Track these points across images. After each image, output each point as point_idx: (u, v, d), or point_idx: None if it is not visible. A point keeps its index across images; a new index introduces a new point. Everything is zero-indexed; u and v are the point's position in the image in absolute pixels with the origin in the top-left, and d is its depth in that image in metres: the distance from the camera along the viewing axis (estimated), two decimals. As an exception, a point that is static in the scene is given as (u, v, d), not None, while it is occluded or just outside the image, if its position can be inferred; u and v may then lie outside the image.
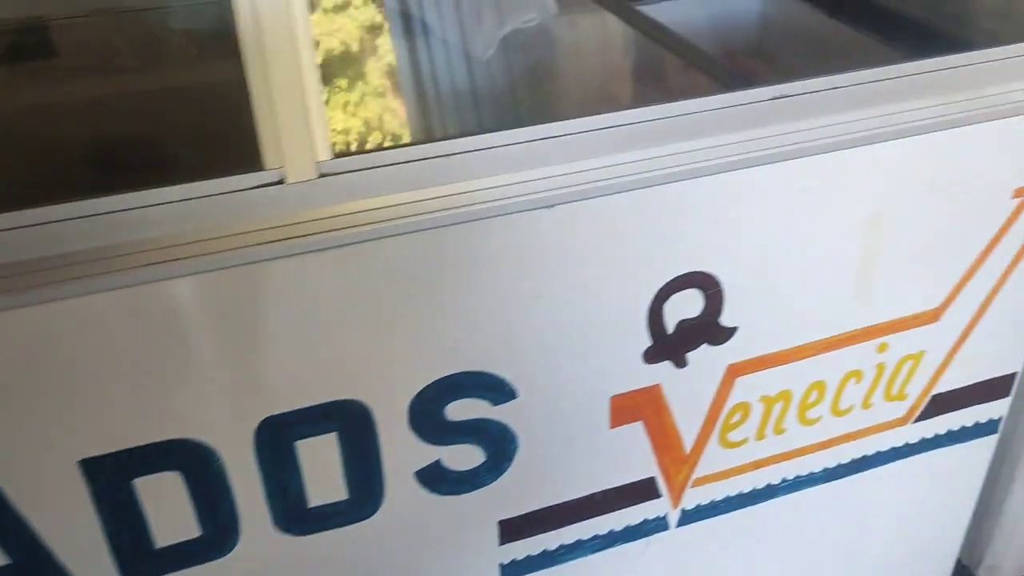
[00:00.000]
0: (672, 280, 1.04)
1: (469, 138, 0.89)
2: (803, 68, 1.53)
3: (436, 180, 0.90)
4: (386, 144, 1.14)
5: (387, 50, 1.34)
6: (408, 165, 0.88)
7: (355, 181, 0.85)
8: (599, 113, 0.95)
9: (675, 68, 1.20)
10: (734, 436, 1.20)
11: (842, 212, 1.08)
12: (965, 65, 1.04)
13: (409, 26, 1.38)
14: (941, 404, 1.32)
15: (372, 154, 0.86)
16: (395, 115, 1.22)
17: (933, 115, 1.05)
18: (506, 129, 0.92)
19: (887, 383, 1.26)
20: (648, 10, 1.54)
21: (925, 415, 1.32)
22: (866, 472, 1.34)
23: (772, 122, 0.99)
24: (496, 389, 1.02)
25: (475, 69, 1.21)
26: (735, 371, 1.14)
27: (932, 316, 1.22)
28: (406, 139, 1.19)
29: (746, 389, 1.16)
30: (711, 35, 1.61)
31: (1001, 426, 1.40)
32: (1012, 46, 1.05)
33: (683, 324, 1.07)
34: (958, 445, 1.39)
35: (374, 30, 1.43)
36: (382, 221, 0.87)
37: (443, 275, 0.93)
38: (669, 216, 1.00)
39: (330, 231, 0.85)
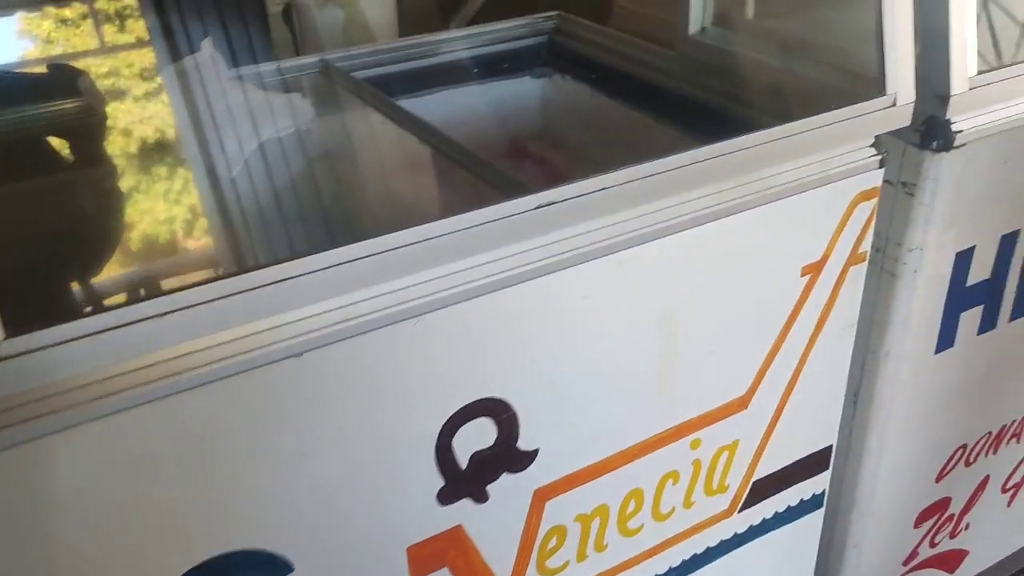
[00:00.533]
0: (457, 411, 0.93)
1: (191, 291, 0.75)
2: (586, 149, 1.50)
3: (159, 342, 0.76)
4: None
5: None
6: (117, 331, 0.74)
7: (42, 361, 0.70)
8: (357, 240, 0.84)
9: (445, 173, 1.11)
10: (553, 562, 1.10)
11: (633, 314, 1.01)
12: (740, 150, 1.00)
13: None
14: (763, 489, 1.27)
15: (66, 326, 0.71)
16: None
17: (713, 203, 1.01)
18: (248, 269, 0.79)
19: (706, 478, 1.19)
20: (424, 101, 1.47)
21: (749, 502, 1.26)
22: (700, 570, 1.27)
23: (543, 231, 0.91)
24: (266, 567, 0.87)
25: (222, 190, 1.08)
26: (543, 495, 1.04)
27: (741, 403, 1.17)
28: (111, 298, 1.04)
29: (558, 511, 1.06)
30: (493, 122, 1.55)
31: (825, 499, 1.37)
32: (782, 126, 1.02)
33: (477, 456, 0.96)
34: (787, 526, 1.34)
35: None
36: (93, 400, 0.72)
37: (182, 450, 0.79)
38: (444, 344, 0.89)
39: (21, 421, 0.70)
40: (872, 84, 1.09)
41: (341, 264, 0.80)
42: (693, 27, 1.32)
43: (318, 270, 0.79)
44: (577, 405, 1.01)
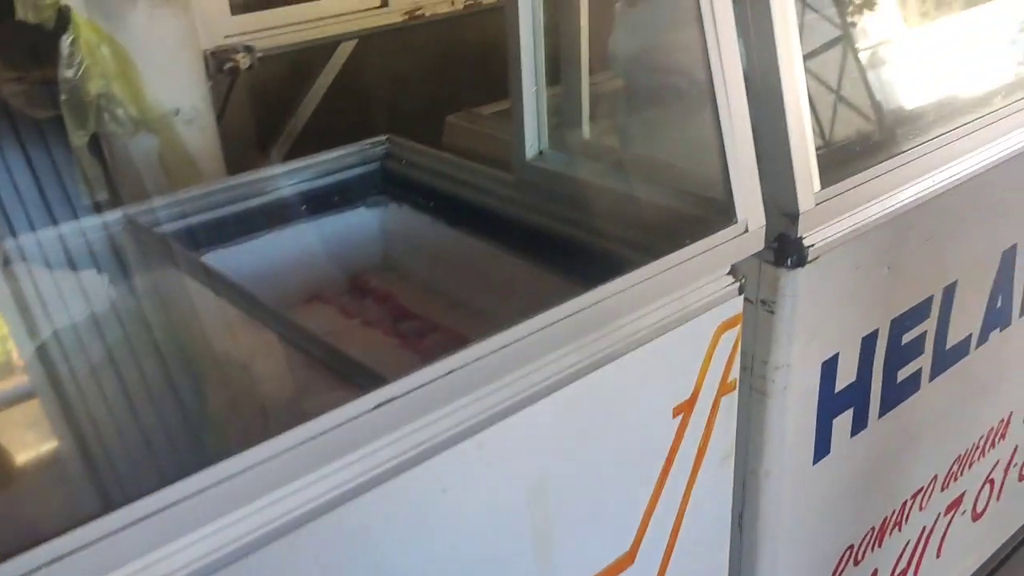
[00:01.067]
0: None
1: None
2: (432, 280, 1.40)
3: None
4: None
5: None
6: None
7: None
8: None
9: (266, 354, 0.98)
10: None
11: (499, 495, 0.90)
12: (596, 303, 0.92)
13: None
14: (660, 638, 1.17)
15: None
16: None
17: (573, 363, 0.92)
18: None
19: (600, 646, 1.08)
20: (251, 248, 1.33)
21: (647, 657, 1.16)
22: None
23: (385, 431, 0.79)
24: None
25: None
26: None
27: (627, 559, 1.07)
28: None
29: None
30: (330, 260, 1.43)
31: (724, 633, 1.28)
32: (638, 271, 0.95)
33: None
34: (688, 669, 1.25)
35: None
36: None
37: None
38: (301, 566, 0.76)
39: None
40: (718, 207, 1.04)
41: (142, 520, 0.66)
42: (530, 151, 1.25)
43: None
44: (448, 607, 0.89)
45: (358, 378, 0.84)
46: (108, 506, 0.63)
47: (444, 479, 0.84)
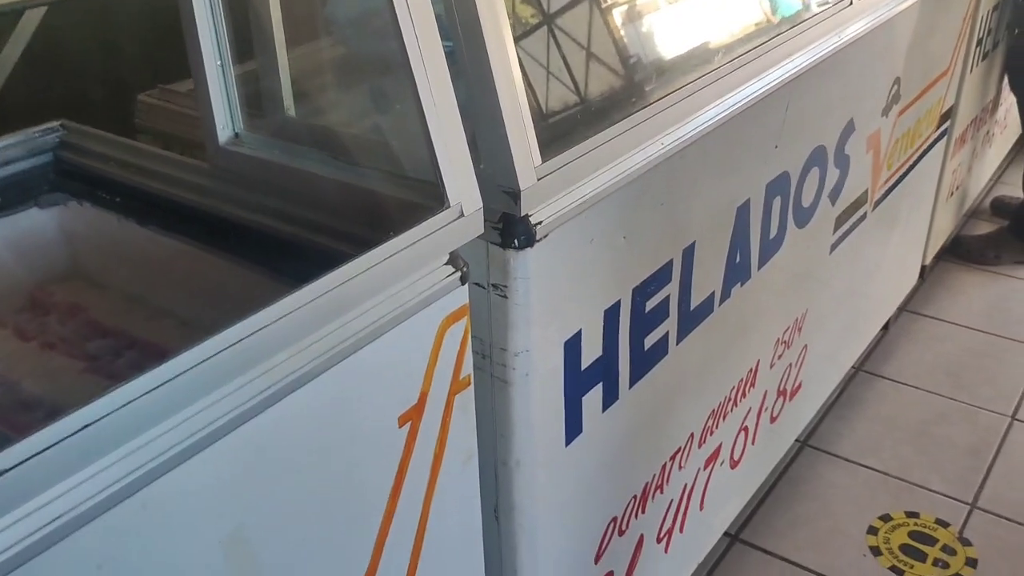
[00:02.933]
0: None
1: None
2: (130, 286, 1.21)
3: None
4: None
5: None
6: None
7: None
8: None
9: None
10: None
11: (180, 558, 0.75)
12: (293, 311, 0.78)
13: None
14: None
15: None
16: None
17: (266, 385, 0.78)
18: None
19: None
20: None
21: None
22: None
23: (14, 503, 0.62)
24: None
25: None
26: None
27: (364, 588, 0.96)
28: None
29: None
30: (4, 269, 1.20)
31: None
32: (343, 269, 0.83)
33: None
34: None
35: None
36: None
37: None
38: None
39: None
40: (431, 191, 0.93)
41: None
42: (223, 135, 1.09)
43: None
44: None
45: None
46: None
47: (98, 554, 0.68)
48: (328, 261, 0.85)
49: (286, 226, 1.03)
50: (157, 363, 0.71)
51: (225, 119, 1.08)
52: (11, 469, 0.61)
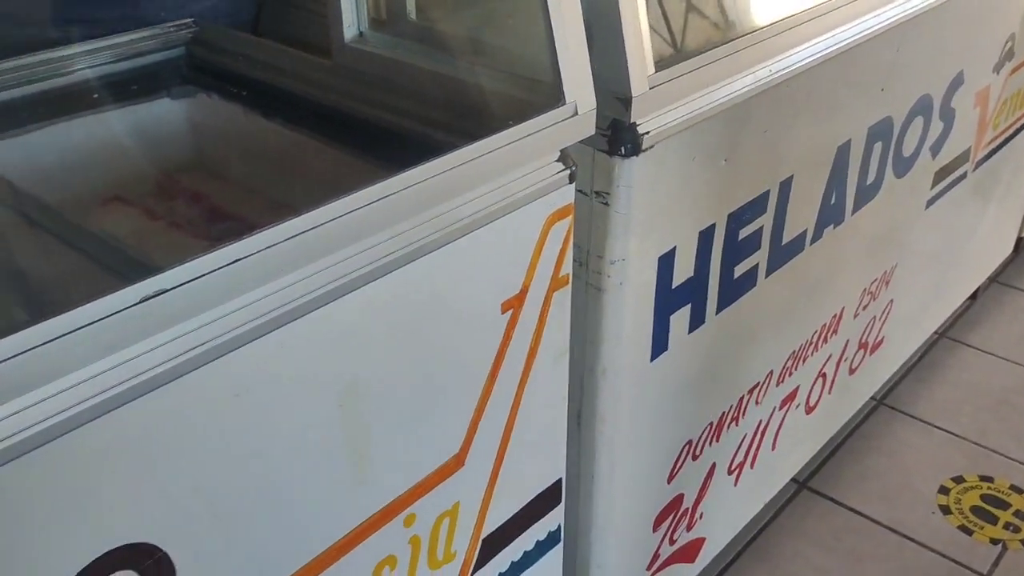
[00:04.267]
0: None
1: None
2: (249, 177, 1.28)
3: None
4: None
5: None
6: None
7: None
8: None
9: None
10: None
11: (304, 399, 0.82)
12: (411, 186, 0.84)
13: None
14: (495, 543, 1.14)
15: None
16: None
17: (387, 252, 0.84)
18: None
19: (428, 553, 1.04)
20: (36, 138, 1.17)
21: (481, 562, 1.13)
22: (438, 647, 1.12)
23: (158, 327, 0.69)
24: None
25: None
26: (226, 637, 0.83)
27: (456, 462, 1.02)
28: None
29: (252, 647, 0.86)
30: (132, 155, 1.28)
31: (562, 533, 1.27)
32: (457, 152, 0.87)
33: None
34: (526, 571, 1.22)
35: None
36: None
37: None
38: (38, 496, 0.66)
39: None
40: (547, 89, 0.97)
41: None
42: (349, 32, 1.14)
43: None
44: (249, 527, 0.81)
45: (128, 270, 0.73)
46: None
47: (236, 382, 0.75)
48: (440, 153, 0.90)
49: (405, 121, 1.08)
50: (297, 214, 0.77)
51: (352, 17, 1.13)
52: (170, 290, 0.68)
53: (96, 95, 1.23)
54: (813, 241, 1.54)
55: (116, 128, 1.26)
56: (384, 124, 1.10)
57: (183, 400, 0.71)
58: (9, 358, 0.60)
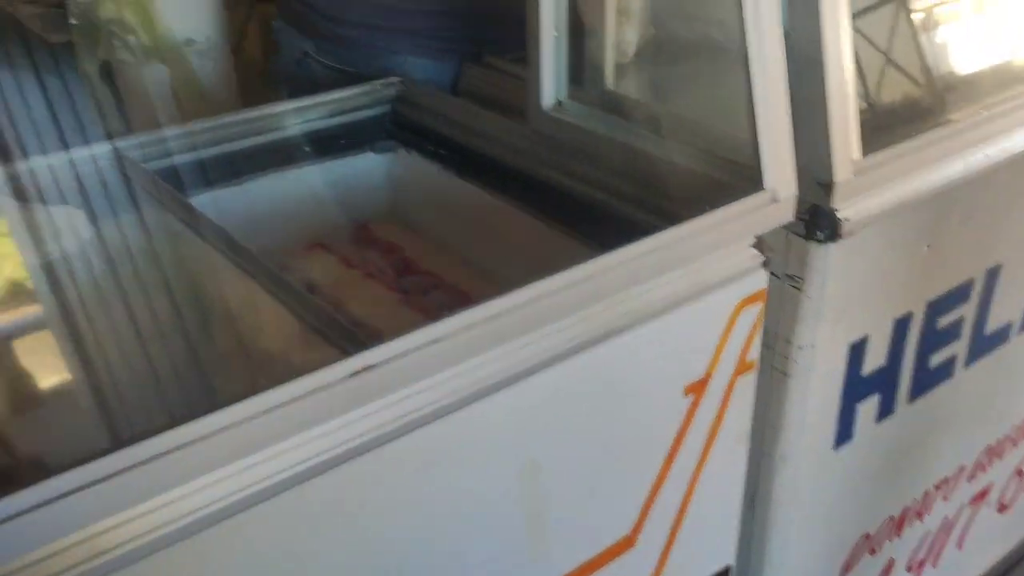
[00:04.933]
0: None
1: None
2: (439, 232, 1.32)
3: None
4: None
5: None
6: None
7: None
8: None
9: (254, 309, 0.91)
10: None
11: (487, 474, 0.83)
12: (607, 270, 0.84)
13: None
14: (658, 625, 1.12)
15: None
16: None
17: (577, 334, 0.85)
18: None
19: (591, 631, 1.03)
20: (251, 188, 1.26)
21: (642, 643, 1.11)
22: None
23: (361, 401, 0.72)
24: None
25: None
26: None
27: (627, 543, 1.01)
28: None
29: None
30: (333, 206, 1.36)
31: (726, 620, 1.22)
32: (655, 237, 0.87)
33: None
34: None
35: None
36: None
37: None
38: (233, 561, 0.70)
39: None
40: (746, 172, 0.96)
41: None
42: (547, 101, 1.16)
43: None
44: (428, 590, 0.83)
45: (339, 337, 0.77)
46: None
47: (428, 454, 0.77)
48: (635, 230, 0.90)
49: (597, 193, 1.09)
50: (486, 300, 0.79)
51: (552, 86, 1.15)
52: (379, 365, 0.71)
53: (308, 148, 1.31)
54: (1020, 332, 1.43)
55: (323, 179, 1.34)
56: (576, 194, 1.11)
57: (379, 468, 0.74)
58: (220, 429, 0.65)
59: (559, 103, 1.17)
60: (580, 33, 1.17)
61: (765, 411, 1.15)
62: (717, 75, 1.06)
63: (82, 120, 1.93)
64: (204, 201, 1.19)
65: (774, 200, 0.94)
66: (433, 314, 1.17)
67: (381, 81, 1.38)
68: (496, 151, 1.23)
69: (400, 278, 1.27)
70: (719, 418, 1.03)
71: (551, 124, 1.17)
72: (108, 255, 0.99)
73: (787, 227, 1.02)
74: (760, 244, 0.97)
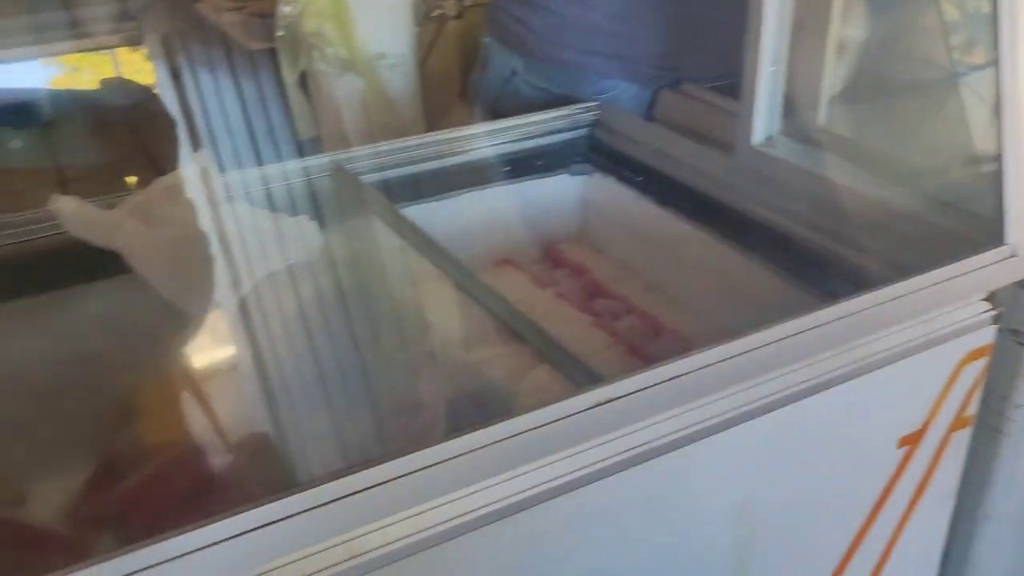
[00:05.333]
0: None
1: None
2: (628, 258, 1.33)
3: None
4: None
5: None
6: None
7: None
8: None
9: (475, 330, 0.94)
10: None
11: (702, 512, 0.84)
12: (836, 320, 0.82)
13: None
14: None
15: None
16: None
17: (803, 379, 0.84)
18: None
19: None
20: (448, 205, 1.30)
21: None
22: None
23: (598, 432, 0.73)
24: None
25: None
26: None
27: (823, 591, 0.99)
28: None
29: None
30: (525, 224, 1.38)
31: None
32: (885, 290, 0.85)
33: None
34: None
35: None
36: None
37: None
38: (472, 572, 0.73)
39: None
40: (982, 224, 0.92)
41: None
42: (758, 136, 1.15)
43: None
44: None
45: (565, 366, 0.79)
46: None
47: (648, 488, 0.78)
48: (844, 274, 0.88)
49: (804, 231, 1.07)
50: (717, 344, 0.79)
51: (764, 121, 1.14)
52: (616, 400, 0.72)
53: (506, 167, 1.34)
54: None
55: (517, 198, 1.37)
56: (782, 231, 1.09)
57: (602, 499, 0.76)
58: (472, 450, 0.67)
59: (769, 138, 1.16)
60: (793, 69, 1.15)
61: (971, 467, 1.10)
62: (949, 118, 1.03)
63: (276, 125, 2.04)
64: (408, 214, 1.24)
65: (1013, 255, 0.90)
66: (626, 339, 1.19)
67: (581, 105, 1.40)
68: (698, 181, 1.22)
69: (590, 300, 1.28)
70: (929, 472, 0.99)
71: (759, 159, 1.16)
72: (335, 264, 1.05)
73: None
74: (992, 299, 0.93)
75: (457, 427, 0.69)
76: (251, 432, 1.01)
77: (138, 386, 1.03)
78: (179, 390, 1.02)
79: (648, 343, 1.17)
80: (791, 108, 1.17)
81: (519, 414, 0.69)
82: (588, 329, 1.21)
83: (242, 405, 0.99)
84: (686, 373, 0.76)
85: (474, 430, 0.69)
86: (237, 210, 1.01)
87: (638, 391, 0.74)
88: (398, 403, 0.93)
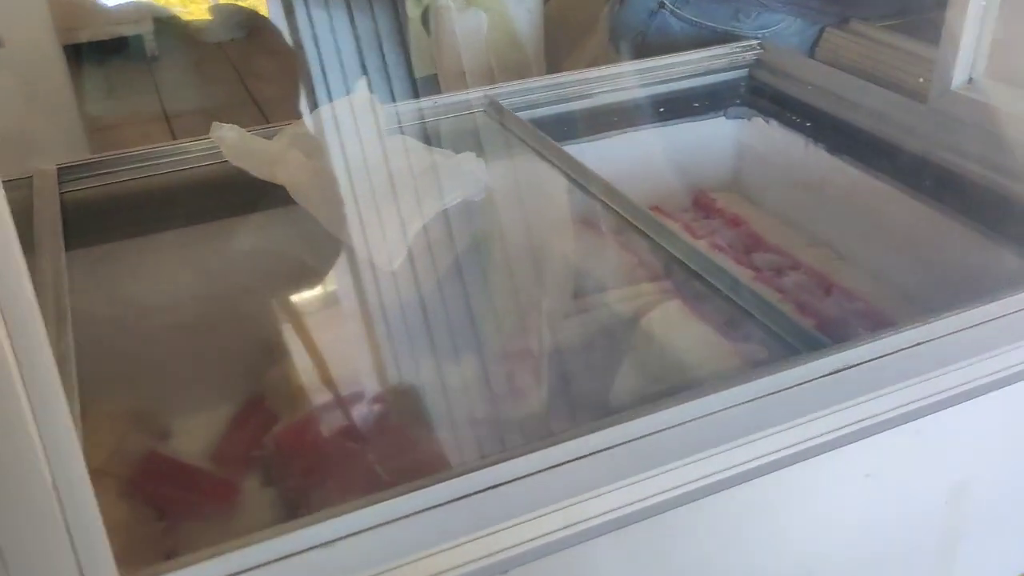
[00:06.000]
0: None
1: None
2: (788, 209, 1.24)
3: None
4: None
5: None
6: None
7: None
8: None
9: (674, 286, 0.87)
10: None
11: (919, 491, 0.76)
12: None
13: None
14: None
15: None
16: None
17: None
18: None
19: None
20: (600, 146, 1.23)
21: None
22: None
23: (831, 402, 0.66)
24: None
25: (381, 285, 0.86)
26: None
27: (1019, 579, 0.91)
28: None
29: None
30: (676, 170, 1.30)
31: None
32: None
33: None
34: None
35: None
36: None
37: None
38: (682, 545, 0.67)
39: None
40: None
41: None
42: (958, 78, 1.05)
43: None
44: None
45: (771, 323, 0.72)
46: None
47: (872, 463, 0.71)
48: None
49: (1009, 184, 0.97)
50: (950, 314, 0.71)
51: (967, 61, 1.04)
52: (853, 367, 0.65)
53: (663, 109, 1.26)
54: None
55: (669, 141, 1.29)
56: (983, 183, 1.00)
57: (823, 473, 0.69)
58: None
59: (970, 80, 1.05)
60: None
61: None
62: None
63: (390, 62, 1.98)
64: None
65: None
66: (795, 297, 1.11)
67: (740, 44, 1.31)
68: (874, 128, 1.13)
69: (750, 253, 1.20)
70: None
71: (957, 104, 1.05)
72: (501, 202, 0.99)
73: None
74: None
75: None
76: (403, 381, 0.96)
77: (292, 324, 0.99)
78: (334, 331, 0.98)
79: (820, 302, 1.09)
80: (997, 47, 1.07)
81: (754, 379, 0.63)
82: (751, 283, 1.14)
83: (400, 348, 0.95)
84: (927, 341, 0.68)
85: (702, 395, 0.63)
86: (403, 144, 0.96)
87: (875, 358, 0.67)
88: (570, 347, 0.87)
